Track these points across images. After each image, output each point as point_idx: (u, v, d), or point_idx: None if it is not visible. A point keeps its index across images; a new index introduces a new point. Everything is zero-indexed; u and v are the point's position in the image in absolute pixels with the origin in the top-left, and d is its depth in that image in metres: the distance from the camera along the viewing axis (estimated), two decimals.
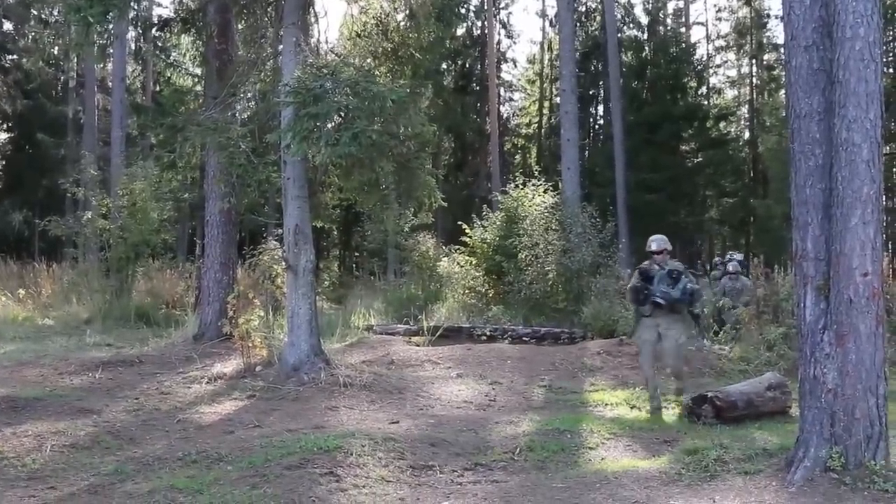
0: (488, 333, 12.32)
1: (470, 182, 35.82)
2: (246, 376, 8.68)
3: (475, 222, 16.77)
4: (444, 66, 32.42)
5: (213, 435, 6.37)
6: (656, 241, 7.70)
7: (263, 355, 9.15)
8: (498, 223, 16.44)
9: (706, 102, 35.44)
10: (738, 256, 14.49)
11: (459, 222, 17.44)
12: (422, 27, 11.28)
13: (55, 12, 27.05)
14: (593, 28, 37.61)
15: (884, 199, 4.82)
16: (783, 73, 5.77)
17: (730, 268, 13.41)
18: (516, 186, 16.88)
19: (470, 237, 16.57)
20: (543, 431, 6.33)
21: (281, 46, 9.67)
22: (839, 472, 4.44)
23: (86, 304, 15.08)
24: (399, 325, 13.50)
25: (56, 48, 28.54)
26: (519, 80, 42.92)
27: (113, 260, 15.67)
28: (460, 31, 33.83)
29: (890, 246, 25.53)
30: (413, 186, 9.71)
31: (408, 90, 8.41)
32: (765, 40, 36.22)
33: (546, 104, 39.19)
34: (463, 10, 32.66)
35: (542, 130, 39.17)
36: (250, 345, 9.05)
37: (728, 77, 40.43)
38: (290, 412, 7.23)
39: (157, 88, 29.82)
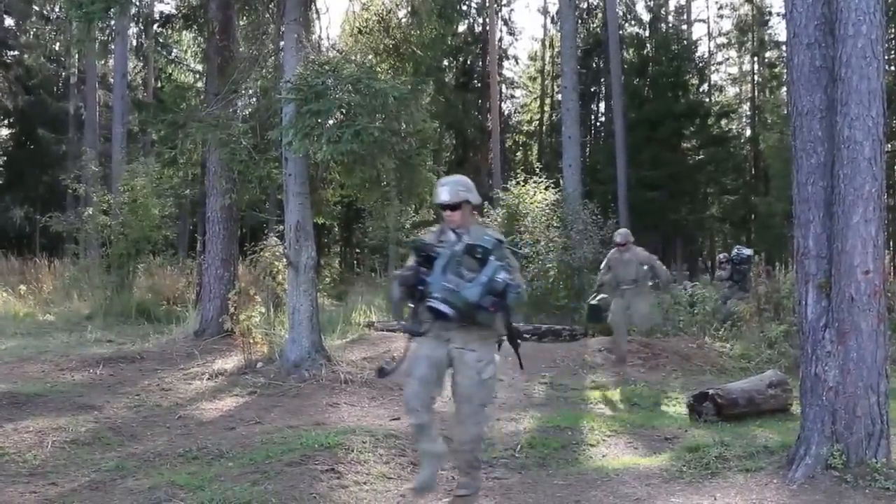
0: (606, 300, 12.18)
1: (471, 179, 35.77)
2: (247, 373, 8.69)
3: (476, 219, 16.75)
4: (445, 63, 32.37)
5: (214, 431, 6.38)
6: (447, 188, 4.44)
7: (264, 352, 9.16)
8: (499, 220, 16.41)
9: (707, 100, 35.41)
10: (747, 251, 14.03)
11: None
12: (423, 24, 11.28)
13: (57, 8, 27.11)
14: (595, 25, 37.59)
15: (885, 196, 4.82)
16: (785, 71, 5.78)
17: (616, 238, 10.26)
18: (517, 183, 16.85)
19: None
20: (544, 428, 6.33)
21: (282, 43, 9.67)
22: (840, 469, 4.44)
23: (87, 300, 15.09)
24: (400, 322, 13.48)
25: (57, 44, 28.60)
26: (520, 77, 42.90)
27: (114, 256, 15.67)
28: (462, 28, 33.79)
29: (891, 244, 25.51)
30: (414, 183, 9.71)
31: (409, 87, 8.41)
32: (766, 38, 36.23)
33: (547, 101, 39.18)
34: (464, 7, 32.68)
35: (544, 127, 39.16)
36: (251, 341, 9.06)
37: (729, 74, 40.51)
38: (290, 409, 7.24)
39: (159, 85, 29.79)
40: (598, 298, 10.13)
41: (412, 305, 4.39)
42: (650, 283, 10.08)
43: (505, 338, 4.48)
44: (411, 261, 4.46)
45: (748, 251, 14.06)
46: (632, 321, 10.06)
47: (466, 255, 4.23)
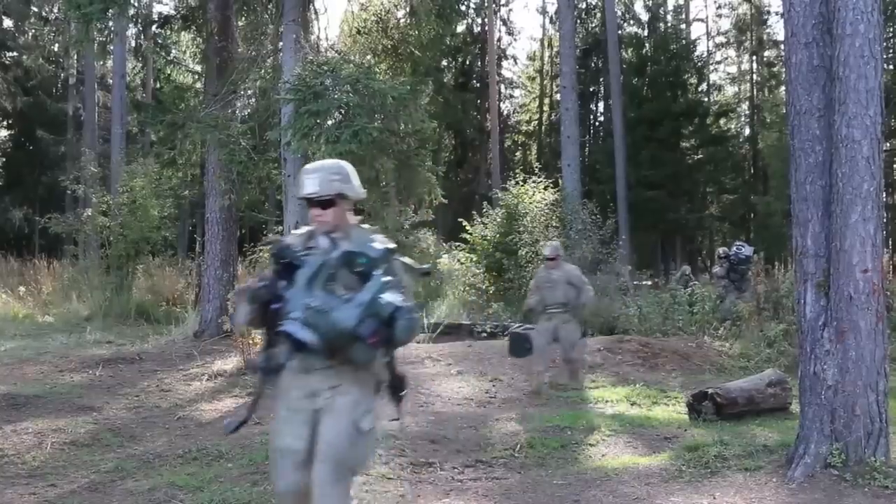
0: (489, 330, 12.31)
1: (470, 179, 35.82)
2: (246, 373, 8.68)
3: (475, 219, 16.77)
4: (444, 63, 32.40)
5: (214, 432, 6.37)
6: (316, 176, 3.22)
7: None
8: (498, 220, 16.44)
9: (706, 99, 35.41)
10: (747, 251, 13.68)
11: (460, 219, 17.45)
12: (422, 24, 11.32)
13: (55, 9, 27.12)
14: (594, 25, 37.59)
15: (884, 195, 4.83)
16: (783, 70, 5.78)
17: (546, 251, 8.98)
18: (516, 183, 16.87)
19: (470, 234, 16.57)
20: (544, 428, 6.33)
21: (281, 43, 9.69)
22: (839, 468, 4.45)
23: (86, 301, 15.09)
24: None
25: (56, 45, 28.58)
26: (519, 76, 42.92)
27: (113, 257, 15.68)
28: (461, 28, 33.81)
29: (890, 242, 25.54)
30: (413, 183, 9.74)
31: (408, 87, 8.43)
32: (765, 37, 36.24)
33: (546, 101, 39.18)
34: (463, 7, 32.67)
35: (543, 127, 39.16)
36: (251, 342, 9.05)
37: (728, 73, 40.48)
38: None
39: (158, 85, 29.77)
40: (523, 327, 8.79)
41: (265, 331, 3.17)
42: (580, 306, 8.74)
43: (386, 383, 3.24)
44: (269, 270, 3.27)
45: (748, 251, 13.61)
46: (564, 353, 8.60)
47: (344, 266, 3.08)
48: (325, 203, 3.19)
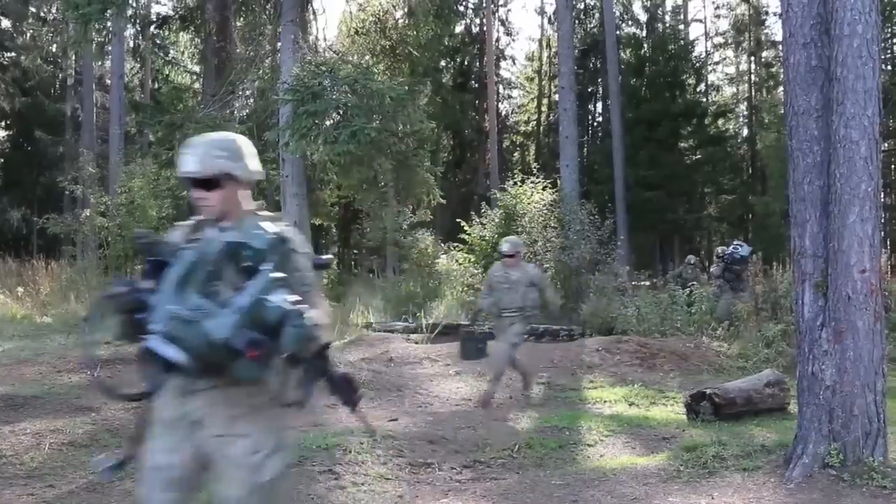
0: (487, 331, 12.29)
1: (468, 179, 35.83)
2: None
3: (474, 219, 16.76)
4: (442, 63, 32.40)
5: None
6: (197, 151, 2.60)
7: None
8: (496, 220, 16.43)
9: (705, 99, 35.45)
10: (744, 251, 13.44)
11: (458, 219, 17.41)
12: (420, 24, 11.34)
13: (54, 9, 27.14)
14: (592, 25, 37.60)
15: (882, 196, 4.84)
16: (781, 71, 5.78)
17: (504, 247, 7.83)
18: (515, 184, 16.86)
19: (468, 234, 16.56)
20: (542, 429, 6.33)
21: (279, 44, 9.69)
22: (837, 468, 4.45)
23: (85, 301, 15.05)
24: (398, 323, 13.48)
25: (54, 45, 28.61)
26: (518, 77, 42.94)
27: (111, 258, 15.66)
28: (459, 29, 33.82)
29: (888, 243, 25.56)
30: (412, 184, 9.76)
31: (406, 87, 8.46)
32: (763, 37, 36.26)
33: (545, 101, 39.20)
34: (461, 8, 32.77)
35: (541, 127, 39.18)
36: None
37: (726, 74, 40.51)
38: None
39: (156, 86, 29.81)
40: (474, 327, 8.24)
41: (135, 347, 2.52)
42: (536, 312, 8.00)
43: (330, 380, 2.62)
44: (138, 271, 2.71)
45: (745, 251, 13.41)
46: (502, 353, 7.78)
47: (229, 261, 2.48)
48: (207, 184, 2.61)
